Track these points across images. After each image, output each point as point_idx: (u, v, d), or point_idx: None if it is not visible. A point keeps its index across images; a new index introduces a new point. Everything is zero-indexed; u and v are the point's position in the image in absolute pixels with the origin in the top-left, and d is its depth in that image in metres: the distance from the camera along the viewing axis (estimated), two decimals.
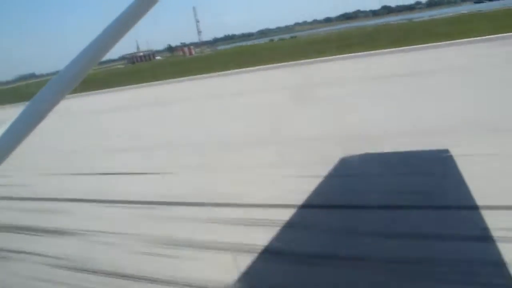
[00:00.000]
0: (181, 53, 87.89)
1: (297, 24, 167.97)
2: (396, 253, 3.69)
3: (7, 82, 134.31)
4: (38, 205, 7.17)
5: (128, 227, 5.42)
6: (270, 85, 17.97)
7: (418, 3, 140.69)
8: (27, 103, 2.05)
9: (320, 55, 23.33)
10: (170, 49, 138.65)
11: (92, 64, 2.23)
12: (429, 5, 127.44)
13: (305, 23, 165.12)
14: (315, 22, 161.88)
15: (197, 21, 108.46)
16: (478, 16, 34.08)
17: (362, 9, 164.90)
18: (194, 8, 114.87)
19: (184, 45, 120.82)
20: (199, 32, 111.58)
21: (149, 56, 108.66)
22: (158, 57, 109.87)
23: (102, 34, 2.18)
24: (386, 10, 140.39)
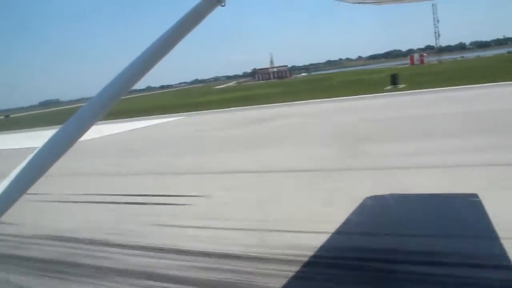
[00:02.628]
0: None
1: None
2: None
3: (31, 107, 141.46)
4: None
5: None
6: None
7: None
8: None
9: None
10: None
11: (120, 94, 2.34)
12: None
13: None
14: None
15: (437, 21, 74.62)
16: None
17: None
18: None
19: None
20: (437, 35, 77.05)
21: (283, 72, 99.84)
22: (303, 74, 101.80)
23: (129, 66, 2.30)
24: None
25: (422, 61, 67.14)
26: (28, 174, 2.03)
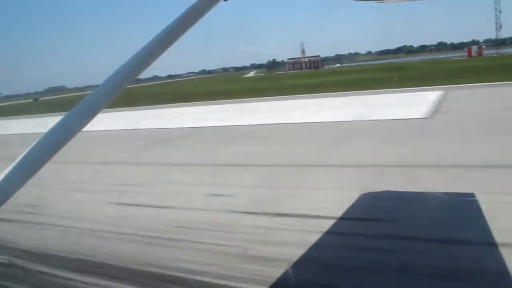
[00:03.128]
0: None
1: None
2: None
3: (37, 93, 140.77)
4: None
5: None
6: None
7: None
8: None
9: None
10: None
11: (125, 83, 2.37)
12: None
13: None
14: None
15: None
16: None
17: None
18: None
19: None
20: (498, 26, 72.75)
21: (316, 63, 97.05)
22: (337, 65, 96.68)
23: (133, 57, 2.32)
24: None
25: (480, 54, 64.68)
26: (32, 162, 1.99)
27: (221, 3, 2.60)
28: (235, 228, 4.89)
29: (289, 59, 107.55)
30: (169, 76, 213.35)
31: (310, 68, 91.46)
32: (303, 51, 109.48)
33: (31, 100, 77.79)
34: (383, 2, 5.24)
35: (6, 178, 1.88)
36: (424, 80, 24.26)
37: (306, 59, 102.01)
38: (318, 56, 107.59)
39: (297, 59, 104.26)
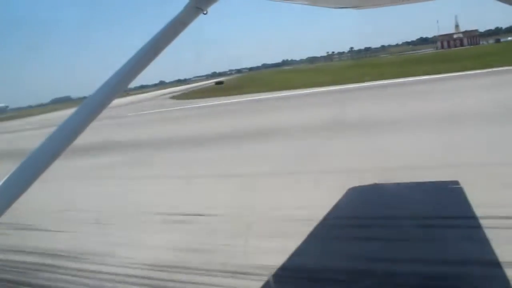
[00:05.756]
0: None
1: None
2: None
3: (42, 105, 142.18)
4: None
5: None
6: None
7: None
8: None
9: None
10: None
11: (118, 91, 2.48)
12: None
13: None
14: None
15: None
16: None
17: None
18: None
19: None
20: None
21: (473, 38, 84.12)
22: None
23: (125, 64, 2.41)
24: None
25: None
26: (36, 164, 2.06)
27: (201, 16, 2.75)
28: None
29: (440, 35, 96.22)
30: (179, 81, 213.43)
31: (467, 45, 79.45)
32: (456, 26, 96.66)
33: None
34: (359, 9, 5.24)
35: (7, 182, 1.93)
36: None
37: (461, 35, 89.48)
38: (476, 30, 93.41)
39: (449, 35, 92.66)
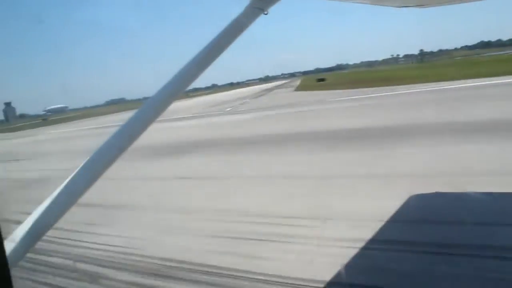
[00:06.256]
0: None
1: None
2: None
3: (97, 106, 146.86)
4: None
5: None
6: None
7: None
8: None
9: None
10: None
11: (178, 93, 2.46)
12: None
13: None
14: None
15: None
16: None
17: None
18: None
19: None
20: None
21: None
22: None
23: (186, 65, 2.40)
24: None
25: None
26: (94, 167, 2.07)
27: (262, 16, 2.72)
28: None
29: None
30: (231, 84, 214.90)
31: None
32: None
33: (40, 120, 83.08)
34: (423, 8, 5.02)
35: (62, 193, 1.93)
36: None
37: None
38: None
39: None
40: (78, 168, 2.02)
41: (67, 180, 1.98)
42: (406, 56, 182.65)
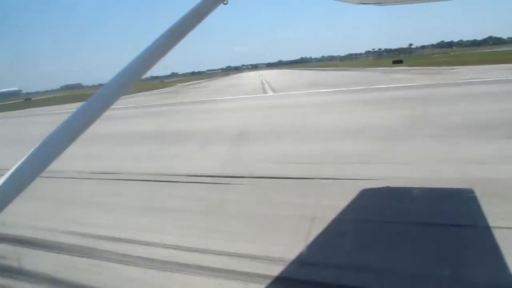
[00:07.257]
0: None
1: None
2: None
3: (52, 91, 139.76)
4: None
5: None
6: None
7: None
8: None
9: None
10: None
11: (134, 80, 2.39)
12: None
13: None
14: None
15: None
16: None
17: None
18: None
19: None
20: None
21: None
22: None
23: (140, 55, 2.33)
24: None
25: None
26: (46, 153, 2.01)
27: (221, 6, 2.72)
28: None
29: None
30: (193, 73, 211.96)
31: None
32: None
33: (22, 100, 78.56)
34: (381, 5, 5.52)
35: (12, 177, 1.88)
36: None
37: None
38: None
39: None
40: (24, 158, 1.96)
41: (12, 169, 1.91)
42: (367, 52, 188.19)
